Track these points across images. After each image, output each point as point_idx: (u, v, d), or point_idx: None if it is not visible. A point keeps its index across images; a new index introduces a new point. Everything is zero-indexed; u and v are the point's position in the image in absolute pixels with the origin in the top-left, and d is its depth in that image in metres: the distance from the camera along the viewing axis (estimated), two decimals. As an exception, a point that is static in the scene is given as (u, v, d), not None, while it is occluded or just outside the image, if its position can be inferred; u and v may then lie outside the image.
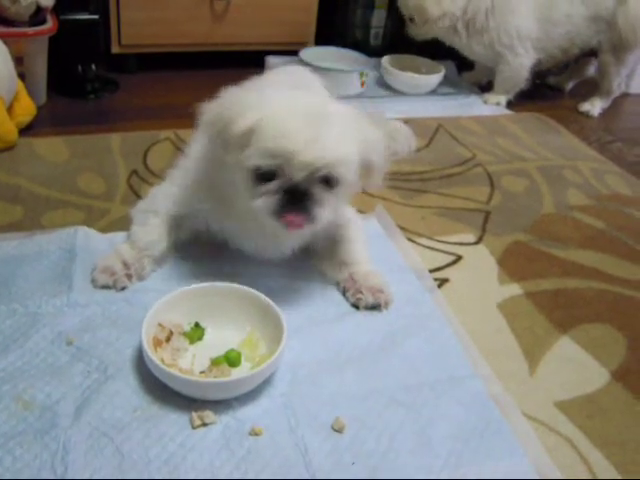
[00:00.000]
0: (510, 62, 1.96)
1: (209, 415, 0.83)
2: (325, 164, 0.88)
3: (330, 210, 0.94)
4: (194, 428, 0.82)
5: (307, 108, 0.91)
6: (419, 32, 2.00)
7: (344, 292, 1.09)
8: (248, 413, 0.85)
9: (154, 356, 0.85)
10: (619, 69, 2.02)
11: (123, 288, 1.04)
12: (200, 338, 0.95)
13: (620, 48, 1.96)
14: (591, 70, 2.22)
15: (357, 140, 0.92)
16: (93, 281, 1.05)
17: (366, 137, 0.94)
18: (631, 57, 2.01)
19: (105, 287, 1.04)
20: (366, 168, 0.96)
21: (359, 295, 1.06)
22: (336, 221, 1.07)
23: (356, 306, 1.06)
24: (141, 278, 1.07)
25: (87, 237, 1.16)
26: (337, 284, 1.10)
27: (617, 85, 2.06)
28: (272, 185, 0.90)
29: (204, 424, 0.83)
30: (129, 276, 1.05)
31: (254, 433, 0.83)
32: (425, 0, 1.90)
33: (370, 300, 1.05)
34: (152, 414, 0.84)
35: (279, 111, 0.89)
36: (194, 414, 0.83)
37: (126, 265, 1.05)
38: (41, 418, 0.82)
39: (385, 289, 1.07)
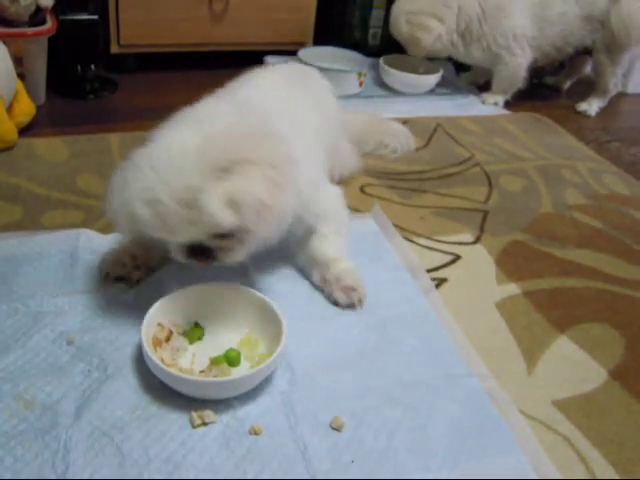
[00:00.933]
0: (508, 62, 1.97)
1: (209, 414, 0.84)
2: (197, 237, 0.87)
3: (242, 249, 0.91)
4: (194, 427, 0.83)
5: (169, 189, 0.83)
6: (417, 53, 2.01)
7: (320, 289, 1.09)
8: (248, 412, 0.86)
9: (154, 356, 0.85)
10: (614, 69, 2.02)
11: (138, 281, 1.05)
12: (200, 338, 0.95)
13: (614, 48, 1.97)
14: (588, 68, 2.22)
15: (225, 202, 0.83)
16: (106, 275, 1.05)
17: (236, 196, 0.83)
18: (626, 56, 2.01)
19: (119, 279, 1.04)
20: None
21: (334, 295, 1.06)
22: (312, 209, 1.05)
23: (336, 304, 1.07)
24: (150, 270, 1.07)
25: (90, 239, 1.16)
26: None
27: (613, 85, 2.07)
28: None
29: (204, 423, 0.83)
30: (138, 267, 1.05)
31: (254, 432, 0.83)
32: (416, 31, 1.92)
33: (343, 299, 1.05)
34: (152, 413, 0.84)
35: (142, 209, 0.85)
36: (194, 413, 0.84)
37: (134, 257, 1.05)
38: (42, 417, 0.82)
39: (358, 286, 1.06)
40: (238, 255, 0.92)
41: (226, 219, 0.83)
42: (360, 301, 1.06)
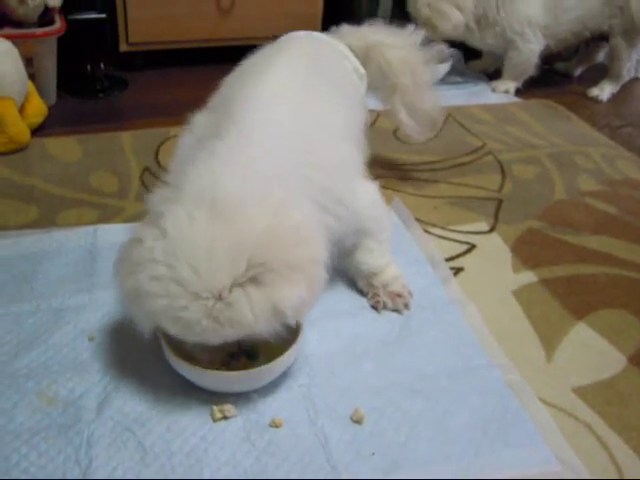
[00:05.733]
0: (520, 48, 1.96)
1: (229, 408, 0.84)
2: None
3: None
4: (215, 421, 0.83)
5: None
6: (433, 38, 1.99)
7: (363, 292, 1.09)
8: (268, 405, 0.86)
9: (172, 351, 0.85)
10: (630, 53, 2.01)
11: None
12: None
13: (632, 33, 1.95)
14: (600, 56, 2.21)
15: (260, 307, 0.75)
16: None
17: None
18: None
19: None
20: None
21: (377, 298, 1.06)
22: (350, 208, 0.95)
23: (376, 308, 1.06)
24: None
25: (107, 234, 1.16)
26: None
27: (627, 69, 2.05)
28: None
29: (225, 417, 0.84)
30: None
31: (274, 425, 0.83)
32: (433, 17, 1.91)
33: (389, 305, 1.06)
34: (173, 408, 0.85)
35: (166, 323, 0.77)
36: (215, 407, 0.84)
37: None
38: (65, 413, 0.83)
39: (404, 292, 1.07)
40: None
41: (263, 328, 0.76)
42: (406, 306, 1.06)
